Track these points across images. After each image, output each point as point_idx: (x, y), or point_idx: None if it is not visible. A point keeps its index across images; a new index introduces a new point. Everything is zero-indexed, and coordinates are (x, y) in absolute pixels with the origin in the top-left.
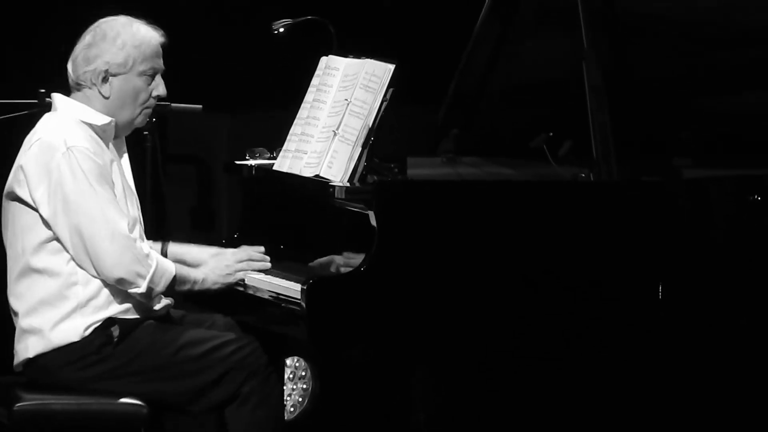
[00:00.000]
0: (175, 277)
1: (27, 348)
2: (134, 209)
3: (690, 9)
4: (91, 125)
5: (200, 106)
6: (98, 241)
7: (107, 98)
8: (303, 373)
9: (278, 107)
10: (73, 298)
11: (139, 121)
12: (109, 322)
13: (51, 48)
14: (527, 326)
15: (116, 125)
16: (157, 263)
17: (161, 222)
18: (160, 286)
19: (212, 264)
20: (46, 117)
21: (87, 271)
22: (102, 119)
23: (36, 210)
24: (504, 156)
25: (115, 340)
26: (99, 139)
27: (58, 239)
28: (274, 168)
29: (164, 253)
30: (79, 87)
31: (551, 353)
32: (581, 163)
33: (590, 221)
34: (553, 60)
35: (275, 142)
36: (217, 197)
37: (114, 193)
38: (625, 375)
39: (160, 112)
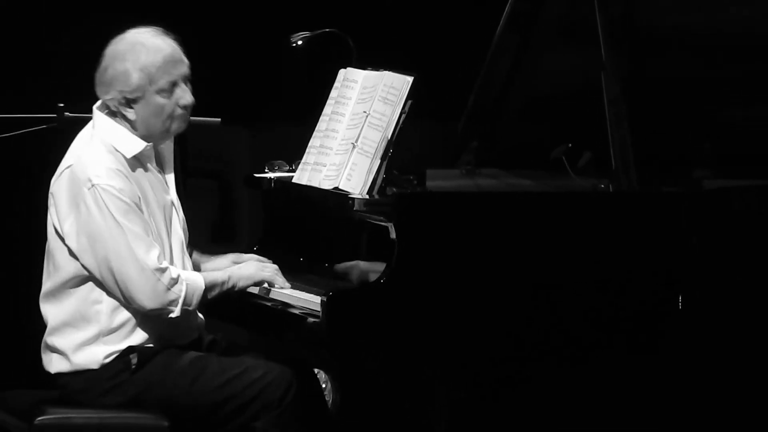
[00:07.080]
0: (205, 289)
1: (51, 362)
2: (177, 226)
3: (710, 21)
4: (123, 155)
5: (219, 120)
6: (128, 278)
7: (134, 121)
8: (324, 386)
9: (297, 120)
10: (96, 324)
11: (175, 129)
12: (129, 350)
13: (70, 61)
14: (547, 337)
15: (154, 144)
16: (186, 286)
17: None
18: (194, 304)
19: (235, 266)
20: (82, 136)
21: (119, 302)
22: (134, 147)
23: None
24: (523, 167)
25: (133, 367)
26: (134, 165)
27: (86, 269)
28: (293, 181)
29: None
30: (110, 110)
31: (572, 364)
32: (600, 174)
33: (610, 232)
34: (572, 72)
35: (294, 155)
36: (237, 210)
37: (143, 221)
38: (645, 386)
39: None
